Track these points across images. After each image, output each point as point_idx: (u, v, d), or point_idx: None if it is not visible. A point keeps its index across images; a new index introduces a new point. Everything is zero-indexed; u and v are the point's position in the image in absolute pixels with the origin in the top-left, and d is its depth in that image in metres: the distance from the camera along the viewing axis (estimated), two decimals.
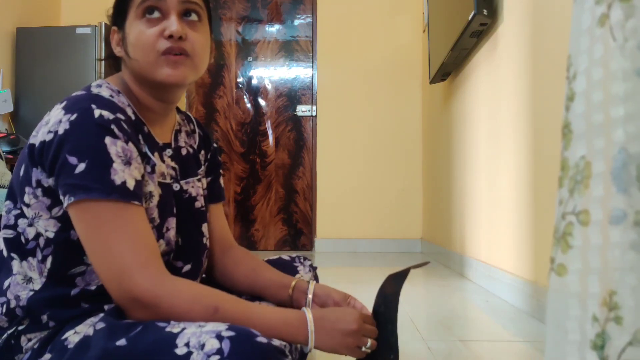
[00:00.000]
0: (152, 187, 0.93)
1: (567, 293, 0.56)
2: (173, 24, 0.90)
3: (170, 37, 0.90)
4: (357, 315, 0.91)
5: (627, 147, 0.51)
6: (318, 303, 1.05)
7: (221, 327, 0.74)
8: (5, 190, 2.33)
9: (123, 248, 0.81)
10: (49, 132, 0.84)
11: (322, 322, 0.88)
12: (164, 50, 0.90)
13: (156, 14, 0.91)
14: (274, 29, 4.57)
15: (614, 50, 0.52)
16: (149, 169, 0.93)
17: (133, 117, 0.93)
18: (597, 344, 0.52)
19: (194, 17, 0.94)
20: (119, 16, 0.95)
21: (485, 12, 2.35)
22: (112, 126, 0.85)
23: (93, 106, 0.85)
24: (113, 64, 1.02)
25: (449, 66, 3.14)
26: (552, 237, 0.60)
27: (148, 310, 0.79)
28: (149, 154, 0.94)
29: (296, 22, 4.56)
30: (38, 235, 0.88)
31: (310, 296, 1.05)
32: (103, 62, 3.60)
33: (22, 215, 0.89)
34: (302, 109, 4.49)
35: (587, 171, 0.54)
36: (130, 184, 0.84)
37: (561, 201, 0.59)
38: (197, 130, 1.12)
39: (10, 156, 2.89)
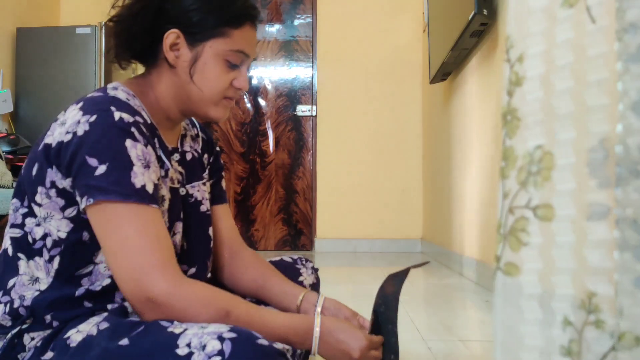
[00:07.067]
0: (165, 191, 0.93)
1: (520, 295, 0.51)
2: (246, 82, 0.97)
3: (238, 89, 0.97)
4: (364, 343, 0.90)
5: (614, 139, 0.45)
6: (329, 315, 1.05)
7: (223, 328, 0.74)
8: (5, 190, 2.32)
9: (142, 248, 0.81)
10: (67, 132, 0.84)
11: (328, 337, 0.89)
12: (229, 97, 0.97)
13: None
14: (273, 29, 4.57)
15: (594, 34, 0.47)
16: (162, 172, 0.93)
17: (149, 121, 0.93)
18: (571, 350, 0.47)
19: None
20: (197, 28, 0.92)
21: (485, 12, 2.35)
22: (132, 129, 0.85)
23: (112, 108, 0.85)
24: (121, 59, 0.97)
25: (449, 66, 3.14)
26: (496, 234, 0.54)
27: (162, 311, 0.80)
28: (164, 157, 0.95)
29: (296, 22, 4.56)
30: (45, 235, 0.88)
31: (319, 309, 1.04)
32: (103, 60, 3.59)
33: (30, 214, 0.89)
34: (302, 109, 4.49)
35: (547, 162, 0.49)
36: (150, 188, 0.84)
37: (506, 194, 0.53)
38: (200, 134, 1.12)
39: (10, 156, 2.89)
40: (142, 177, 0.83)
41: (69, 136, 0.83)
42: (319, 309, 1.04)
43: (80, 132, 0.83)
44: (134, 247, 0.81)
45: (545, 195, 0.49)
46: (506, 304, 0.52)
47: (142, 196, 0.82)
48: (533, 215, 0.50)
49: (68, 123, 0.85)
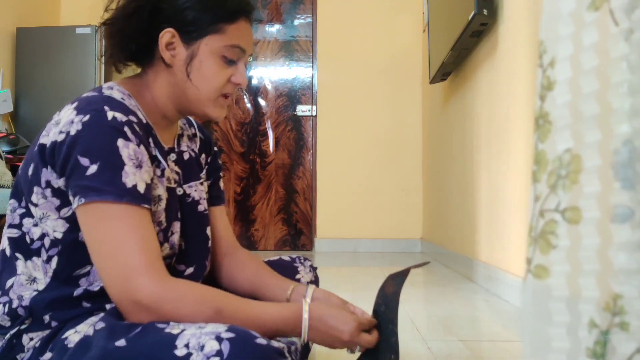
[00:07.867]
0: (161, 191, 0.93)
1: (549, 297, 0.51)
2: (244, 77, 0.96)
3: (236, 85, 0.96)
4: (354, 326, 0.91)
5: (633, 140, 0.46)
6: None
7: (221, 328, 0.74)
8: (5, 190, 2.32)
9: (128, 251, 0.80)
10: (61, 132, 0.84)
11: (318, 323, 0.89)
12: (227, 93, 0.96)
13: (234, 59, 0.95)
14: (274, 29, 4.56)
15: (616, 36, 0.47)
16: (158, 172, 0.93)
17: (144, 121, 0.93)
18: (596, 352, 0.47)
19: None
20: (192, 26, 0.91)
21: (485, 12, 2.35)
22: (125, 128, 0.84)
23: (106, 108, 0.85)
24: (117, 61, 0.97)
25: (449, 66, 3.14)
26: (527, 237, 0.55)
27: (150, 313, 0.79)
28: (159, 157, 0.94)
29: (296, 22, 4.56)
30: (43, 235, 0.88)
31: (308, 300, 1.04)
32: (103, 60, 3.59)
33: (27, 214, 0.88)
34: (302, 109, 4.49)
35: (576, 165, 0.50)
36: (141, 187, 0.84)
37: (538, 197, 0.54)
38: (197, 134, 1.12)
39: (10, 156, 2.89)
40: (134, 177, 0.83)
41: (62, 136, 0.83)
42: (308, 300, 1.04)
43: (73, 132, 0.82)
44: (119, 249, 0.80)
45: (573, 198, 0.50)
46: (535, 306, 0.53)
47: (133, 196, 0.82)
48: (561, 218, 0.51)
49: (62, 123, 0.85)
